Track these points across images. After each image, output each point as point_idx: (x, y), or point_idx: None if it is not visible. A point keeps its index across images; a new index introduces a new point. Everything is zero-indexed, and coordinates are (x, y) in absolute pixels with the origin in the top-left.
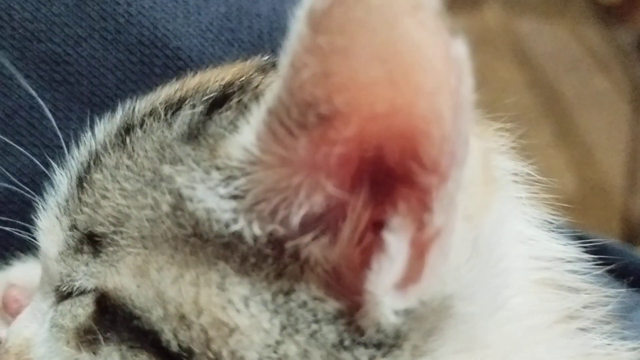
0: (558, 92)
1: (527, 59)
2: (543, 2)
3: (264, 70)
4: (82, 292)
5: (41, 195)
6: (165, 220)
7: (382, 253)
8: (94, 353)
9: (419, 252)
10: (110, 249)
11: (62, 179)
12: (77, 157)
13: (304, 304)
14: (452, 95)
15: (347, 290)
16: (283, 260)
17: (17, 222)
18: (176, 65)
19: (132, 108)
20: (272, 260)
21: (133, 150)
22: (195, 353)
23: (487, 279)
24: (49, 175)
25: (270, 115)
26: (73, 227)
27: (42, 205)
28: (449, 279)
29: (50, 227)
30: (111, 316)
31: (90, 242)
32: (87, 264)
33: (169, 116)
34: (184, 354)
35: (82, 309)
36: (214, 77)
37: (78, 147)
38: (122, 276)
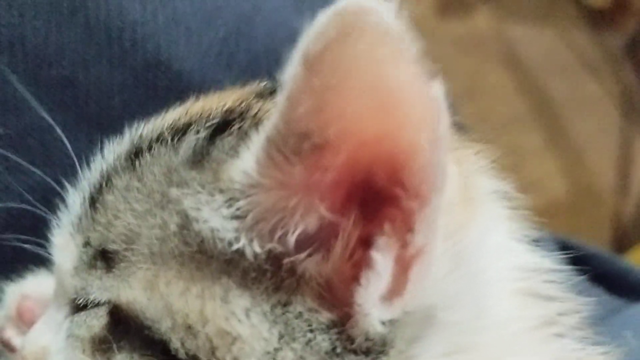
0: (548, 97)
1: (518, 63)
2: (533, 7)
3: (262, 96)
4: (97, 305)
5: (52, 212)
6: (173, 238)
7: (370, 269)
8: None
9: (403, 268)
10: (122, 264)
11: (75, 198)
12: (89, 177)
13: (300, 315)
14: (431, 130)
15: (339, 302)
16: (281, 275)
17: (30, 237)
18: (179, 87)
19: (140, 132)
20: (270, 275)
21: (142, 174)
22: None
23: (469, 290)
24: (59, 192)
25: (269, 143)
26: (86, 243)
27: (55, 223)
28: (430, 291)
29: (64, 244)
30: (124, 326)
31: (103, 258)
32: (100, 279)
33: (175, 141)
34: None
35: (96, 320)
36: (215, 104)
37: (89, 167)
38: (134, 290)
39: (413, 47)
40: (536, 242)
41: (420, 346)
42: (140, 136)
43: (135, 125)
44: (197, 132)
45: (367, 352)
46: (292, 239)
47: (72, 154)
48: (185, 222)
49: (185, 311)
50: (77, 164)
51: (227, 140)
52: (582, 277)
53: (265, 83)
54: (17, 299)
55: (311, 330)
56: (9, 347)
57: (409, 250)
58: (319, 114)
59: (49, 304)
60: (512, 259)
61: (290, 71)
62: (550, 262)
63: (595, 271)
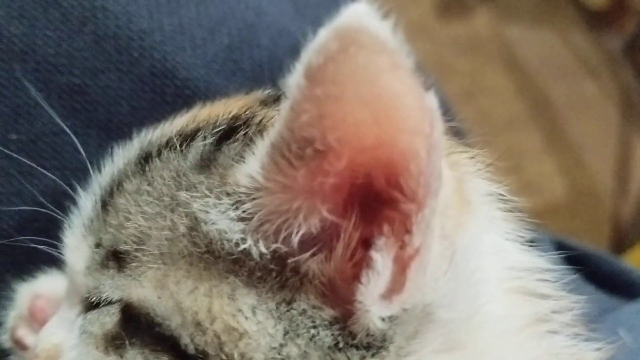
0: (547, 98)
1: (517, 64)
2: (532, 8)
3: (266, 103)
4: (109, 303)
5: (64, 214)
6: (182, 239)
7: (370, 268)
8: (121, 356)
9: (401, 267)
10: (134, 264)
11: (87, 201)
12: (100, 181)
13: (303, 312)
14: (426, 138)
15: (341, 299)
16: (285, 274)
17: (42, 239)
18: (185, 94)
19: (149, 138)
20: (275, 274)
21: (152, 178)
22: (210, 355)
23: (464, 288)
24: (70, 195)
25: (273, 149)
26: (98, 244)
27: (68, 224)
28: (428, 289)
29: (76, 244)
30: (135, 323)
31: (115, 258)
32: (112, 278)
33: (183, 147)
34: (200, 356)
35: (109, 318)
36: (221, 111)
37: (99, 171)
38: (145, 289)
39: (408, 60)
40: (531, 242)
41: (418, 342)
42: (150, 142)
43: (144, 131)
44: (205, 138)
45: (367, 347)
46: (295, 240)
47: (84, 158)
48: (194, 224)
49: (194, 309)
50: (89, 167)
51: (233, 146)
52: (576, 276)
53: (268, 91)
54: (29, 299)
55: (314, 327)
56: (21, 346)
57: (407, 250)
58: (321, 121)
59: (61, 303)
60: (507, 258)
61: (294, 82)
62: (544, 262)
63: (591, 270)
